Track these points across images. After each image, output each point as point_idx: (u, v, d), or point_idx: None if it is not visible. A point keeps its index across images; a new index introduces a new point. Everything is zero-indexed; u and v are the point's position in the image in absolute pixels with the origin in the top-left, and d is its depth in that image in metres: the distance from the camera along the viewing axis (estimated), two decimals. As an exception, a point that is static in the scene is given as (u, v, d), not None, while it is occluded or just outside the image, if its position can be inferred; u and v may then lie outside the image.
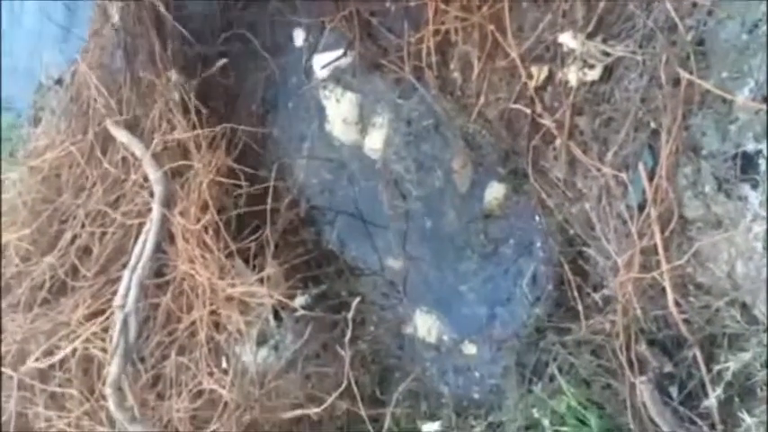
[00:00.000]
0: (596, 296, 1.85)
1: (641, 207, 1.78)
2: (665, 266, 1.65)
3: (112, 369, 2.44)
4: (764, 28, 1.51)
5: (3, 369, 2.79)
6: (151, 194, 3.03)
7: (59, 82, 3.50)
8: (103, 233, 3.12)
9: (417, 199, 2.63)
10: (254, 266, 2.82)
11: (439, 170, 2.56)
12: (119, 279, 2.95)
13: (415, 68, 2.50)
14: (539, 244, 2.30)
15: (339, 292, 2.80)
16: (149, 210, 3.01)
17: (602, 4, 1.75)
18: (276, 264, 2.82)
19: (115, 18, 3.24)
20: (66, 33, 3.71)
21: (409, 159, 2.62)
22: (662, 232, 1.72)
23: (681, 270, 1.66)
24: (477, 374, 2.46)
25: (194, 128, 2.84)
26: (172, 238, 2.86)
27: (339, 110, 2.76)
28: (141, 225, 3.02)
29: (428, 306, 2.60)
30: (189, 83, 2.99)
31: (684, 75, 1.58)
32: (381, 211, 2.72)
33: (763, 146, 1.55)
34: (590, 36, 1.80)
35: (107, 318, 2.79)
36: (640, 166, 1.76)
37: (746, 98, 1.56)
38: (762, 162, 1.57)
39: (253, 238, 2.78)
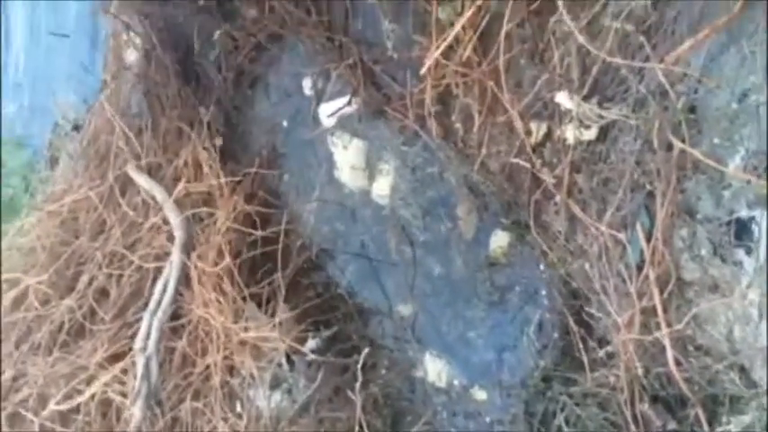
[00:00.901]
0: (601, 352, 1.87)
1: (640, 267, 1.79)
2: (664, 329, 1.67)
3: (136, 413, 2.50)
4: (754, 97, 1.52)
5: (24, 413, 2.86)
6: (168, 238, 3.10)
7: (77, 128, 3.59)
8: (120, 276, 3.19)
9: (424, 244, 2.66)
10: (267, 310, 2.87)
11: (445, 216, 2.59)
12: (136, 322, 3.03)
13: (417, 117, 2.54)
14: (543, 292, 2.33)
15: (350, 335, 2.84)
16: (166, 253, 3.09)
17: (596, 67, 1.77)
18: (288, 308, 2.87)
19: (130, 59, 3.32)
20: (82, 74, 3.79)
21: (415, 205, 2.66)
22: (661, 293, 1.74)
23: (681, 332, 1.68)
24: (487, 419, 2.48)
25: (218, 176, 2.91)
26: (188, 282, 2.92)
27: (347, 156, 2.80)
28: (158, 268, 3.09)
29: (437, 350, 2.63)
30: (218, 130, 3.07)
31: (676, 143, 1.59)
32: (390, 256, 2.75)
33: (756, 213, 1.56)
34: (585, 98, 1.83)
35: (126, 361, 2.86)
36: (638, 228, 1.78)
37: (738, 166, 1.57)
38: (755, 229, 1.58)
39: (265, 282, 2.83)
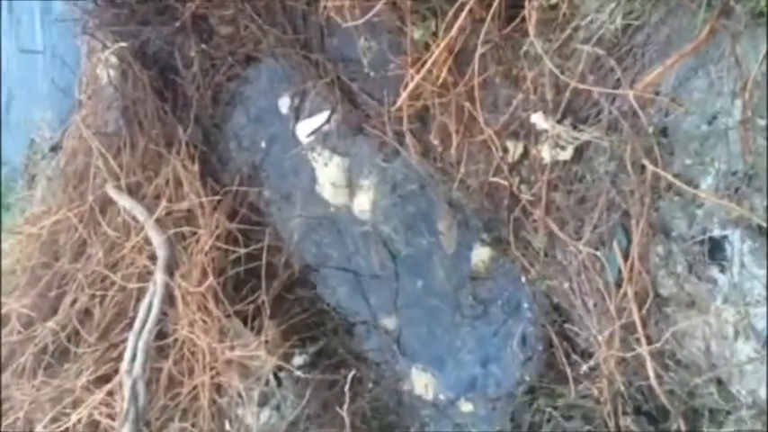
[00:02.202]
0: (584, 366, 1.91)
1: (618, 284, 1.83)
2: (644, 344, 1.71)
3: (124, 435, 2.50)
4: (724, 119, 1.56)
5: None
6: (151, 258, 3.10)
7: (54, 149, 3.58)
8: (104, 296, 3.18)
9: (407, 258, 2.69)
10: (253, 328, 2.89)
11: (426, 231, 2.62)
12: (121, 343, 3.03)
13: (396, 133, 2.56)
14: (526, 305, 2.36)
15: (336, 350, 2.86)
16: (149, 273, 3.09)
17: (569, 89, 1.80)
18: (274, 325, 2.89)
19: (107, 78, 3.30)
20: (57, 91, 3.77)
21: (397, 220, 2.68)
22: (639, 309, 1.78)
23: (660, 347, 1.72)
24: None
25: (199, 194, 2.91)
26: (172, 302, 2.92)
27: (327, 173, 2.82)
28: (141, 288, 3.09)
29: (423, 363, 2.67)
30: (197, 148, 3.06)
31: (648, 165, 1.63)
32: (373, 270, 2.78)
33: (728, 231, 1.60)
34: (560, 119, 1.86)
35: (112, 383, 2.86)
36: (615, 246, 1.82)
37: (710, 186, 1.61)
38: (728, 247, 1.63)
39: (250, 299, 2.85)
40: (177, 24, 2.99)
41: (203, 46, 3.04)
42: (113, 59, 3.25)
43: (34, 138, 4.07)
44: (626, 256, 1.80)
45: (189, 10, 2.96)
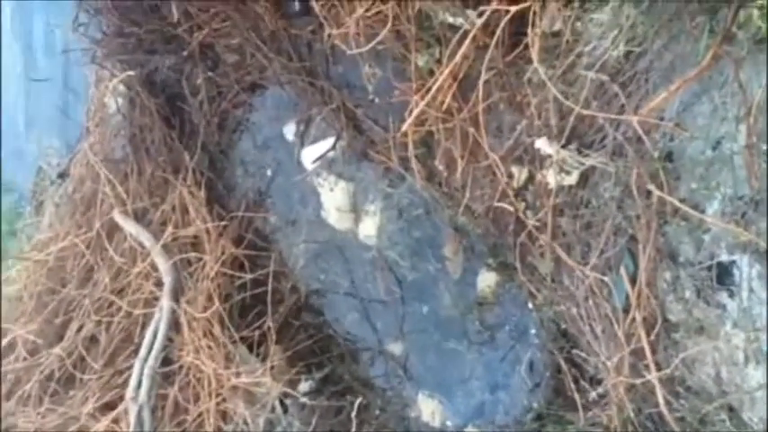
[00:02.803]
0: (593, 393, 1.89)
1: (626, 310, 1.82)
2: (654, 371, 1.69)
3: (131, 463, 2.48)
4: (728, 145, 1.56)
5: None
6: (157, 284, 3.10)
7: (62, 176, 3.60)
8: (110, 323, 3.18)
9: (413, 284, 2.69)
10: (259, 354, 2.87)
11: (432, 257, 2.61)
12: (126, 370, 3.02)
13: (401, 159, 2.57)
14: (533, 331, 2.35)
15: (342, 376, 2.84)
16: (155, 299, 3.09)
17: (573, 114, 1.81)
18: (280, 350, 2.88)
19: (115, 106, 3.33)
20: (64, 119, 3.81)
21: (402, 246, 2.68)
22: (648, 335, 1.77)
23: (670, 373, 1.70)
24: (482, 460, 2.49)
25: (205, 220, 2.92)
26: (178, 328, 2.92)
27: (333, 198, 2.83)
28: (147, 314, 3.09)
29: (430, 390, 2.64)
30: (203, 174, 3.08)
31: (654, 190, 1.63)
32: (379, 296, 2.77)
33: (736, 257, 1.59)
34: (564, 144, 1.86)
35: (118, 411, 2.84)
36: (622, 271, 1.81)
37: (716, 211, 1.61)
38: (736, 272, 1.62)
39: (256, 325, 2.84)
40: (184, 53, 3.03)
41: (210, 74, 3.07)
42: (121, 88, 3.29)
43: (42, 165, 4.11)
44: (633, 282, 1.80)
45: (196, 39, 3.00)
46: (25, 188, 4.25)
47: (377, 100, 2.64)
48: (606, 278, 1.84)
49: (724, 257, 1.61)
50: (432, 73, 2.31)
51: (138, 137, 3.29)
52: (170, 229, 3.03)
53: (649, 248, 1.70)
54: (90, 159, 3.32)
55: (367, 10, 2.12)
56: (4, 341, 3.17)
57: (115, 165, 3.34)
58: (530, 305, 2.31)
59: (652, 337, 1.76)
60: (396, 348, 2.72)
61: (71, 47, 3.41)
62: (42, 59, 4.24)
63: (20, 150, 4.53)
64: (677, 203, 1.60)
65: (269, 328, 2.76)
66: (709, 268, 1.64)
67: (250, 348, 2.87)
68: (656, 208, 1.69)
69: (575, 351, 2.00)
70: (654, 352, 1.75)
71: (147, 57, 3.20)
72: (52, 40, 4.12)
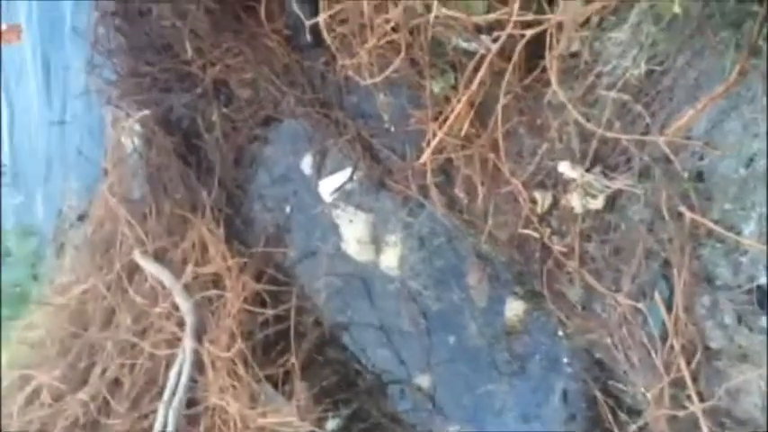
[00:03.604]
0: (632, 427, 1.81)
1: (663, 337, 1.74)
2: (696, 402, 1.61)
3: (158, 508, 2.43)
4: (762, 162, 1.49)
5: None
6: (178, 323, 3.07)
7: (82, 218, 3.61)
8: (133, 365, 3.15)
9: (437, 314, 2.62)
10: (284, 392, 2.82)
11: (456, 286, 2.55)
12: (151, 413, 2.98)
13: (420, 187, 2.52)
14: (565, 360, 2.27)
15: (370, 411, 2.78)
16: (178, 339, 3.06)
17: (597, 136, 1.75)
18: (305, 387, 2.82)
19: (131, 146, 3.34)
20: (82, 161, 3.82)
21: (425, 276, 2.63)
22: (688, 364, 1.68)
23: (713, 403, 1.62)
24: (518, 494, 2.40)
25: (225, 257, 2.90)
26: (202, 368, 2.88)
27: (353, 230, 2.79)
28: (170, 355, 3.05)
29: (460, 423, 2.57)
30: (221, 211, 3.07)
31: (686, 212, 1.56)
32: (404, 327, 2.71)
33: (778, 279, 1.51)
34: (589, 168, 1.80)
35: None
36: (656, 297, 1.73)
37: (753, 232, 1.53)
38: (779, 296, 1.53)
39: (280, 362, 2.79)
40: (198, 90, 3.03)
41: (224, 110, 3.07)
42: (137, 127, 3.30)
43: (62, 207, 4.13)
44: (669, 308, 1.72)
45: (209, 75, 3.00)
46: (47, 231, 4.26)
47: (393, 128, 2.60)
48: (640, 305, 1.76)
49: (764, 280, 1.53)
50: (447, 99, 2.27)
51: (156, 176, 3.29)
52: (190, 267, 3.01)
53: (684, 273, 1.63)
54: (109, 200, 3.33)
55: (379, 39, 2.09)
56: (27, 389, 3.15)
57: (134, 205, 3.34)
58: (560, 333, 2.24)
59: (692, 366, 1.68)
60: (423, 381, 2.65)
61: (88, 88, 3.44)
62: (60, 102, 4.28)
63: (41, 193, 4.56)
64: (711, 225, 1.53)
65: (293, 364, 2.71)
66: (749, 292, 1.56)
67: (275, 386, 2.82)
68: (689, 230, 1.62)
69: (611, 381, 1.92)
70: (695, 381, 1.67)
71: (162, 95, 3.21)
72: (69, 83, 4.16)
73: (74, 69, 3.82)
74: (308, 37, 2.51)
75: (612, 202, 1.83)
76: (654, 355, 1.73)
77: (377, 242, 2.73)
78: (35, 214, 4.61)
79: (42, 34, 4.33)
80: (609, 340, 1.86)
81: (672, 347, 1.71)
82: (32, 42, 4.26)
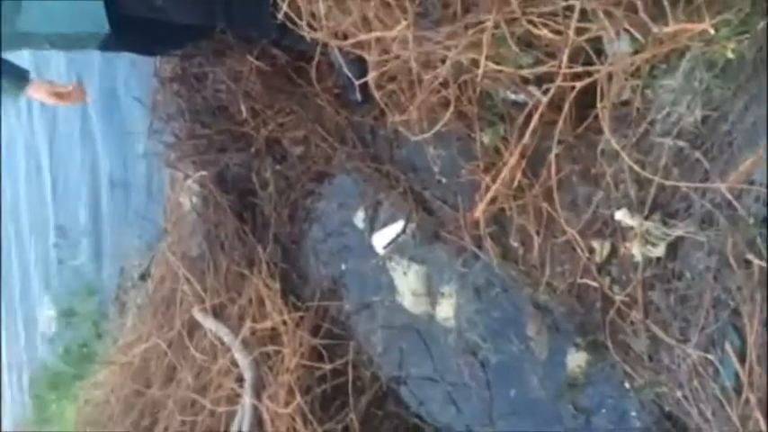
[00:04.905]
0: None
1: (737, 390, 1.67)
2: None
3: None
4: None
5: None
6: (237, 380, 3.10)
7: (143, 277, 3.71)
8: (194, 422, 3.18)
9: (497, 366, 2.58)
10: (344, 449, 2.79)
11: (515, 337, 2.51)
12: (213, 474, 2.97)
13: (473, 237, 2.51)
14: (634, 413, 2.19)
15: (433, 467, 2.72)
16: (237, 395, 3.08)
17: (654, 183, 1.72)
18: (366, 445, 2.79)
19: (189, 205, 3.44)
20: (142, 220, 3.95)
21: (482, 327, 2.59)
22: (766, 418, 1.60)
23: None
24: None
25: (281, 312, 2.93)
26: (261, 424, 2.88)
27: (407, 282, 2.79)
28: (230, 412, 3.07)
29: (528, 480, 2.49)
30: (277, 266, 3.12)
31: (753, 259, 1.51)
32: (463, 380, 2.67)
33: None
34: (647, 215, 1.77)
35: None
36: (728, 347, 1.67)
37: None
38: None
39: (338, 417, 2.77)
40: (253, 149, 3.12)
41: (278, 167, 3.15)
42: (195, 187, 3.41)
43: (124, 266, 4.26)
44: (742, 359, 1.65)
45: (263, 135, 3.09)
46: (110, 289, 4.40)
47: (444, 180, 2.62)
48: (711, 356, 1.69)
49: None
50: (497, 150, 2.28)
51: (213, 233, 3.38)
52: (248, 323, 3.05)
53: (755, 322, 1.56)
54: (168, 259, 3.42)
55: (428, 95, 2.12)
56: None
57: (192, 262, 3.43)
58: (626, 385, 2.16)
59: (772, 421, 1.59)
60: (485, 435, 2.59)
61: (147, 152, 3.58)
62: (120, 165, 4.47)
63: (103, 252, 4.73)
64: (782, 273, 1.47)
65: (352, 419, 2.69)
66: (831, 342, 1.49)
67: (335, 443, 2.79)
68: (758, 278, 1.56)
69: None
70: (776, 436, 1.58)
71: (218, 156, 3.32)
72: (129, 147, 4.34)
73: (133, 134, 3.99)
74: (358, 95, 2.58)
75: (674, 249, 1.78)
76: (728, 408, 1.66)
77: (432, 294, 2.72)
78: (97, 274, 4.76)
79: (103, 99, 4.56)
80: (679, 393, 1.79)
81: (747, 400, 1.63)
82: (92, 106, 4.48)
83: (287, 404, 2.82)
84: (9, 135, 5.41)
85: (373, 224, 2.90)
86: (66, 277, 4.82)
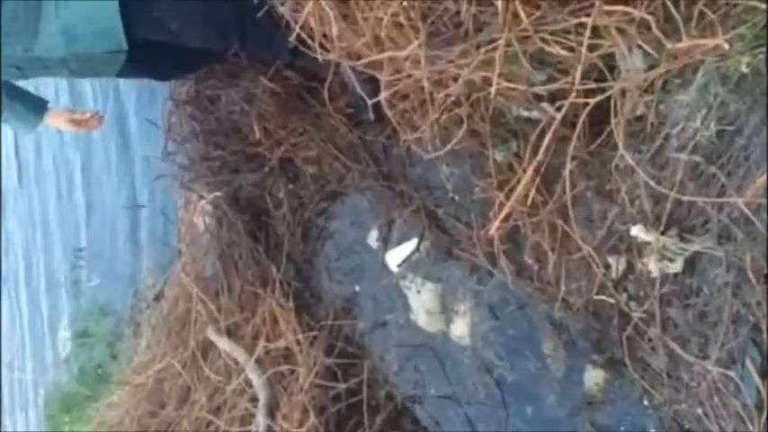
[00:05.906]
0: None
1: (759, 407, 1.64)
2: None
3: None
4: None
5: None
6: (251, 400, 3.09)
7: (157, 298, 3.72)
8: (208, 443, 3.15)
9: (513, 384, 2.55)
10: (360, 469, 2.77)
11: (531, 354, 2.49)
12: (228, 497, 2.95)
13: (488, 255, 2.50)
14: (653, 431, 2.16)
15: (449, 487, 2.69)
16: (251, 415, 3.06)
17: (670, 198, 1.72)
18: (383, 466, 2.76)
19: (203, 226, 3.46)
20: (157, 242, 3.97)
21: (498, 345, 2.58)
22: (789, 436, 1.58)
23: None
24: None
25: (295, 331, 2.93)
26: (276, 445, 2.86)
27: (421, 300, 2.78)
28: (244, 432, 3.05)
29: (546, 500, 2.45)
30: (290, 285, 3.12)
31: (774, 275, 1.50)
32: (479, 398, 2.65)
33: None
34: (663, 231, 1.76)
35: None
36: (748, 364, 1.65)
37: None
38: None
39: (354, 437, 2.75)
40: (266, 169, 3.14)
41: (291, 186, 3.17)
42: (208, 208, 3.43)
43: (138, 288, 4.28)
44: (763, 375, 1.63)
45: (276, 155, 3.11)
46: (124, 310, 4.42)
47: (457, 198, 2.62)
48: (731, 372, 1.67)
49: None
50: (511, 167, 2.28)
51: (227, 253, 3.39)
52: (262, 342, 3.05)
53: (776, 338, 1.55)
54: (182, 279, 3.43)
55: (441, 114, 2.13)
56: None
57: (206, 282, 3.44)
58: (645, 403, 2.14)
59: (796, 439, 1.57)
60: (503, 454, 2.56)
61: (161, 174, 3.61)
62: (135, 187, 4.50)
63: (118, 273, 4.75)
64: (803, 289, 1.46)
65: (368, 439, 2.67)
66: None
67: (350, 463, 2.77)
68: (778, 293, 1.54)
69: (708, 450, 1.81)
70: (802, 455, 1.55)
71: (231, 176, 3.34)
72: (142, 169, 4.38)
73: (146, 156, 4.03)
74: (371, 114, 2.59)
75: (692, 265, 1.77)
76: (750, 426, 1.63)
77: (446, 312, 2.71)
78: (112, 295, 4.79)
79: (118, 124, 4.61)
80: (699, 410, 1.76)
81: (771, 418, 1.61)
82: (108, 131, 4.53)
83: (301, 424, 2.81)
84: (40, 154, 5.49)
85: (387, 242, 2.91)
86: (81, 298, 4.84)
